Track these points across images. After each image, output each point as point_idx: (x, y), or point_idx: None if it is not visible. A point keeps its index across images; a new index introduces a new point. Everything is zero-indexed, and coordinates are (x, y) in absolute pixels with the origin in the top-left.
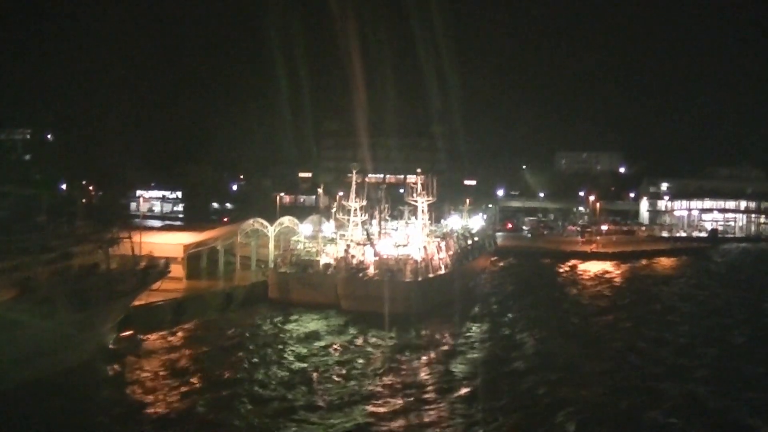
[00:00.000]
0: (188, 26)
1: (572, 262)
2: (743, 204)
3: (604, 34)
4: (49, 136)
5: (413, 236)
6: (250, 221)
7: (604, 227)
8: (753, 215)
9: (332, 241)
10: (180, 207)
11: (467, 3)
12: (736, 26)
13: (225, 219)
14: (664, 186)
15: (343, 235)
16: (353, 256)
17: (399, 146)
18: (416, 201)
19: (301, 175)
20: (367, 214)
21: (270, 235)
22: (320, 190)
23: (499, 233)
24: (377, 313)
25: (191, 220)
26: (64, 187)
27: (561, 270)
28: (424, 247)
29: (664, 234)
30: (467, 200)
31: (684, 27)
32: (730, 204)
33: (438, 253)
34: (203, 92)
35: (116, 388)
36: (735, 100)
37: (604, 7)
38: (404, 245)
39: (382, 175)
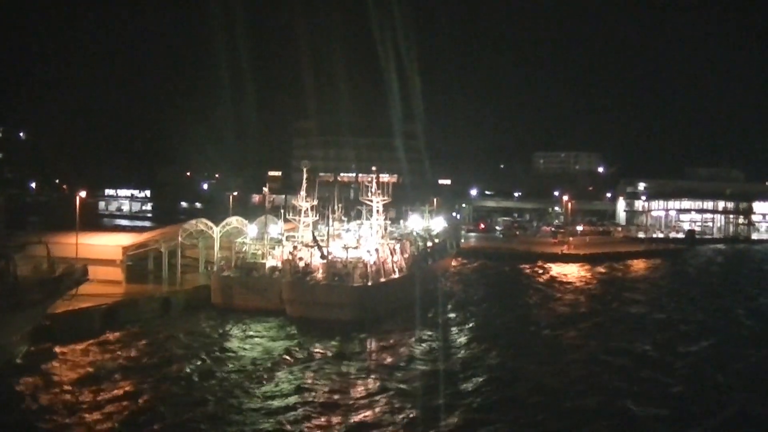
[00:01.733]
0: (161, 27)
1: (541, 264)
2: (721, 204)
3: (584, 36)
4: (21, 135)
5: (366, 238)
6: (193, 221)
7: (580, 228)
8: (731, 216)
9: (279, 242)
10: (149, 206)
11: (453, 3)
12: (715, 27)
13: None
14: (642, 186)
15: (292, 237)
16: (300, 259)
17: (370, 145)
18: (371, 201)
19: (271, 173)
20: (318, 215)
21: (215, 237)
22: (266, 189)
23: (471, 233)
24: (325, 320)
25: (159, 220)
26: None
27: (528, 273)
28: (377, 250)
29: (641, 235)
30: (434, 200)
31: (663, 28)
32: (708, 204)
33: (392, 255)
34: (174, 92)
35: (8, 411)
36: (715, 100)
37: (585, 9)
38: (354, 247)
39: (354, 174)
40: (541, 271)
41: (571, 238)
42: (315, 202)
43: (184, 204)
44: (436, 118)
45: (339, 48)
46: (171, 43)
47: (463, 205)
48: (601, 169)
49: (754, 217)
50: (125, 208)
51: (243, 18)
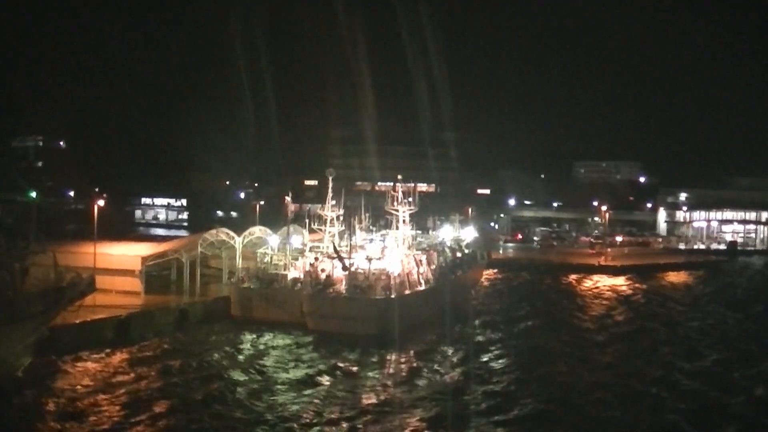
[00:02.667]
0: (197, 35)
1: (577, 276)
2: (764, 215)
3: (626, 45)
4: (61, 143)
5: (391, 249)
6: (214, 231)
7: (619, 238)
8: None
9: (302, 253)
10: (185, 215)
11: (488, 12)
12: (758, 34)
13: None
14: (683, 196)
15: (316, 247)
16: (322, 271)
17: (408, 154)
18: (396, 210)
19: (307, 182)
20: (343, 225)
21: (237, 247)
22: (288, 198)
23: (509, 244)
24: (345, 334)
25: (194, 229)
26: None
27: (562, 285)
28: (401, 261)
29: (681, 246)
30: (468, 209)
31: (706, 37)
32: (751, 215)
33: (418, 267)
34: (211, 100)
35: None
36: (758, 108)
37: (625, 18)
38: (378, 258)
39: (391, 183)
40: (575, 284)
41: (608, 249)
42: (341, 212)
43: (219, 213)
44: (476, 127)
45: (378, 56)
46: (208, 52)
47: (501, 215)
48: (642, 179)
49: None
50: (161, 216)
51: (278, 25)
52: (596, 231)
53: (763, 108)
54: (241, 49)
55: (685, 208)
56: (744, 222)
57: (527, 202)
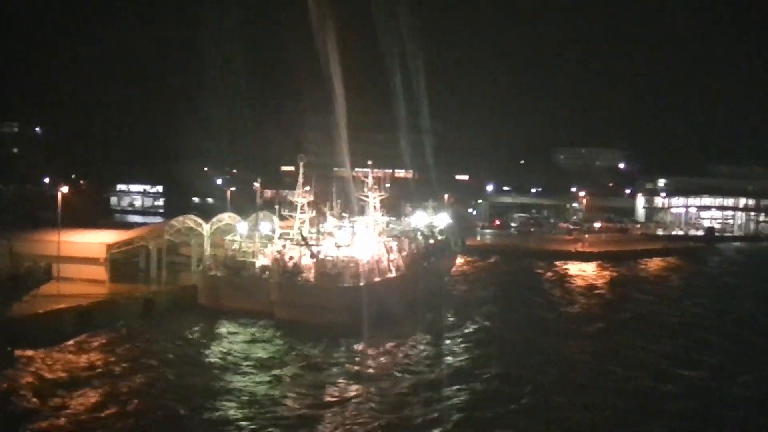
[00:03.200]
0: (173, 23)
1: (553, 262)
2: (742, 201)
3: (606, 32)
4: (37, 130)
5: (361, 235)
6: (180, 218)
7: (598, 224)
8: (752, 213)
9: (272, 240)
10: (161, 201)
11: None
12: (738, 22)
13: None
14: (662, 182)
15: (287, 234)
16: (291, 258)
17: (385, 141)
18: (367, 197)
19: (284, 169)
20: (314, 211)
21: (206, 234)
22: (257, 184)
23: (487, 230)
24: (314, 323)
25: (171, 215)
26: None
27: (538, 271)
28: (371, 248)
29: (660, 232)
30: (445, 196)
31: (685, 23)
32: (729, 201)
33: (389, 254)
34: (188, 86)
35: None
36: (739, 96)
37: (605, 5)
38: (347, 245)
39: (368, 170)
40: (551, 270)
41: (586, 236)
42: (311, 198)
43: (196, 199)
44: (456, 113)
45: (356, 42)
46: (185, 38)
47: (480, 201)
48: (622, 166)
49: None
50: (137, 203)
51: (253, 12)
52: (575, 217)
53: (744, 96)
54: (217, 36)
55: (663, 195)
56: (722, 208)
57: (506, 189)
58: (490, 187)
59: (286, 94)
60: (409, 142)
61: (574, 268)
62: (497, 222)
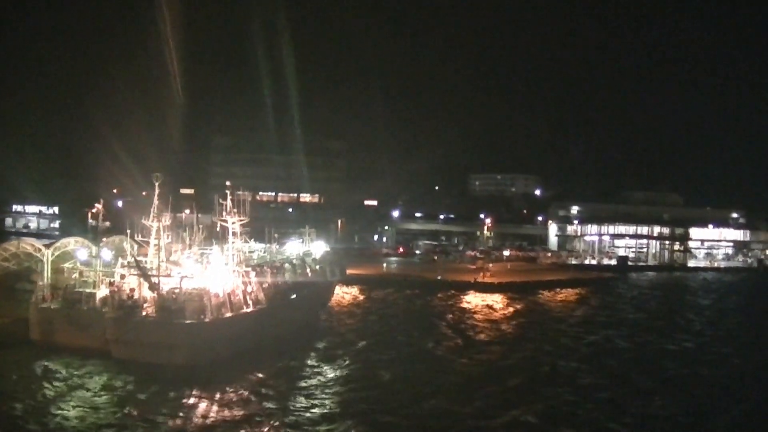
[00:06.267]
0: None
1: (450, 293)
2: (657, 230)
3: (523, 58)
4: None
5: (216, 265)
6: (15, 242)
7: (507, 252)
8: (667, 242)
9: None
10: (57, 224)
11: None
12: (651, 50)
13: None
14: (574, 209)
15: (142, 261)
16: (132, 290)
17: (291, 163)
18: (225, 221)
19: (183, 191)
20: (170, 237)
21: (46, 261)
22: (98, 206)
23: (392, 258)
24: (153, 364)
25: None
26: None
27: (431, 304)
28: (223, 280)
29: (572, 261)
30: (339, 221)
31: (600, 50)
32: (643, 229)
33: (247, 285)
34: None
35: None
36: (657, 124)
37: (521, 31)
38: (195, 277)
39: (273, 193)
40: (445, 302)
41: (491, 265)
42: (168, 222)
43: (91, 221)
44: (368, 137)
45: (263, 64)
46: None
47: (386, 228)
48: (538, 192)
49: (691, 243)
50: (33, 225)
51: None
52: (481, 246)
53: (661, 123)
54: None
55: (576, 222)
56: (636, 236)
57: (418, 215)
58: (396, 213)
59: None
60: (317, 166)
61: (471, 300)
62: (401, 249)
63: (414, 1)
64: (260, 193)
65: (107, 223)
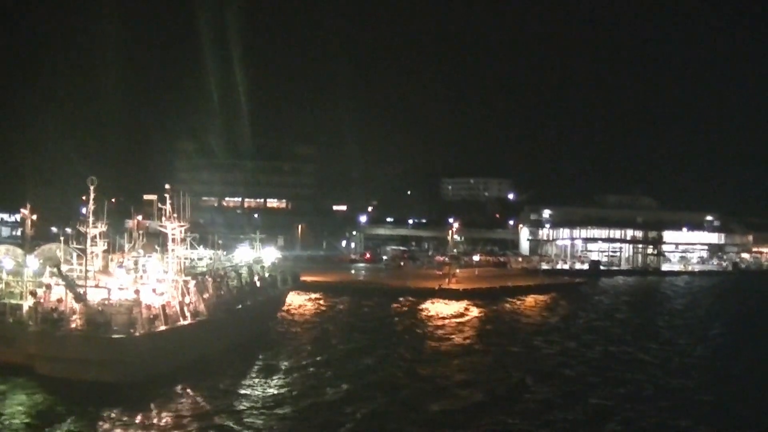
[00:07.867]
0: (41, 39)
1: (412, 301)
2: (630, 233)
3: (495, 60)
4: None
5: (150, 274)
6: None
7: (477, 257)
8: (640, 246)
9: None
10: (19, 231)
11: (355, 23)
12: (626, 52)
13: None
14: (546, 213)
15: (56, 271)
16: (59, 301)
17: (259, 168)
18: (165, 227)
19: (146, 197)
20: (106, 242)
21: None
22: (25, 211)
23: (360, 264)
24: (80, 381)
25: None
26: None
27: (390, 312)
28: (162, 290)
29: (544, 265)
30: (299, 227)
31: (573, 53)
32: (616, 233)
33: (185, 296)
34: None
35: None
36: (631, 126)
37: (492, 32)
38: (125, 288)
39: (239, 199)
40: (407, 310)
41: (458, 270)
42: (104, 228)
43: (53, 229)
44: (338, 142)
45: (230, 67)
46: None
47: (354, 233)
48: (511, 196)
49: (664, 247)
50: None
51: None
52: (454, 250)
53: (637, 126)
54: (83, 55)
55: (548, 226)
56: (609, 240)
57: (389, 220)
58: (363, 218)
59: (158, 118)
60: (285, 171)
61: (430, 308)
62: (367, 255)
63: (385, 4)
64: (226, 198)
65: (32, 231)
